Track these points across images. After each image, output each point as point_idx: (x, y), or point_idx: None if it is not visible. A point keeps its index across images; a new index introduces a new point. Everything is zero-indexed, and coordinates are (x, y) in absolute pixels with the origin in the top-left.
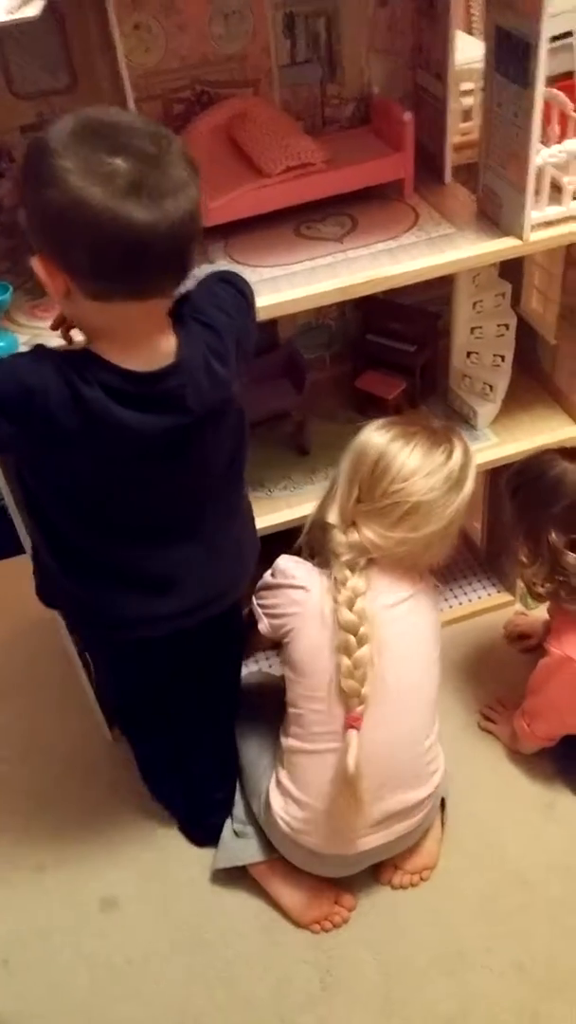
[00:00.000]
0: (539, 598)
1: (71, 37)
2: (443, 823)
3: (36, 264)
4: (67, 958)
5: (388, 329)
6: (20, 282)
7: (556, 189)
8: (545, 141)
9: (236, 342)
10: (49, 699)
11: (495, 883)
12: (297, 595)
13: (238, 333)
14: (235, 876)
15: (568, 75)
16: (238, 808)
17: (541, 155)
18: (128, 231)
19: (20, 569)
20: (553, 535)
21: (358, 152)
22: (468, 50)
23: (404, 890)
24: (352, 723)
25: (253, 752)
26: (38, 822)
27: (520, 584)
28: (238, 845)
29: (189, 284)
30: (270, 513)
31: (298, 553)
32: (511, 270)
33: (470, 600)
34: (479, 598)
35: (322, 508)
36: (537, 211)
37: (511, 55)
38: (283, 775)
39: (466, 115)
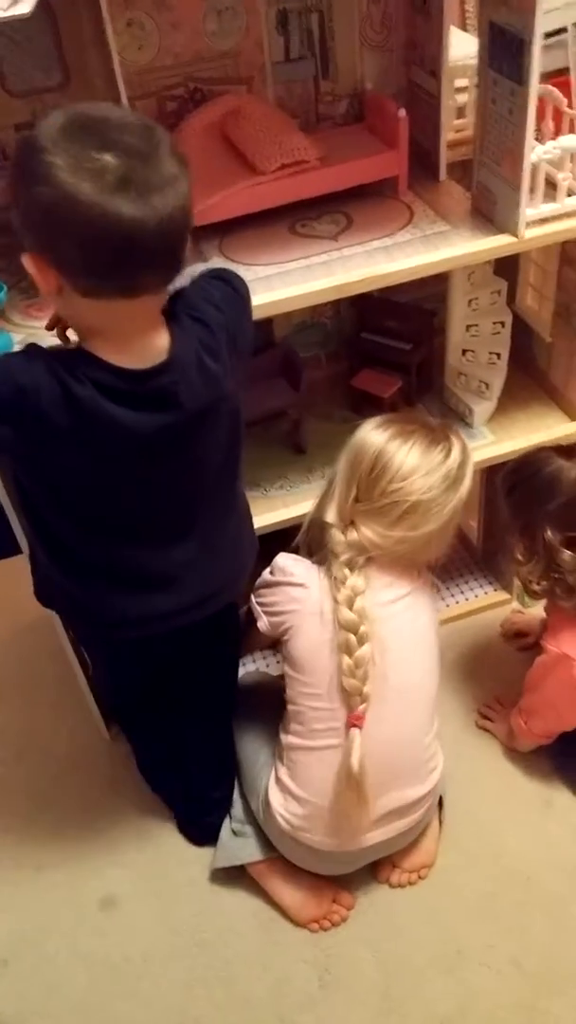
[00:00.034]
0: (535, 596)
1: (64, 35)
2: (441, 821)
3: (27, 261)
4: (66, 957)
5: (384, 327)
6: (15, 281)
7: (551, 186)
8: (540, 138)
9: (229, 338)
10: (47, 699)
11: (493, 881)
12: (296, 592)
13: (231, 329)
14: (234, 875)
15: (563, 71)
16: (236, 807)
17: (536, 152)
18: (117, 226)
19: (17, 569)
20: (549, 532)
21: (352, 149)
22: (462, 46)
23: (402, 888)
24: (355, 722)
25: (251, 750)
26: (36, 822)
27: (517, 582)
28: (236, 844)
29: (183, 282)
30: (267, 512)
31: (296, 552)
32: (506, 267)
33: (467, 599)
34: (476, 597)
35: (320, 507)
36: (532, 208)
37: (505, 51)
38: (282, 772)
39: (460, 112)
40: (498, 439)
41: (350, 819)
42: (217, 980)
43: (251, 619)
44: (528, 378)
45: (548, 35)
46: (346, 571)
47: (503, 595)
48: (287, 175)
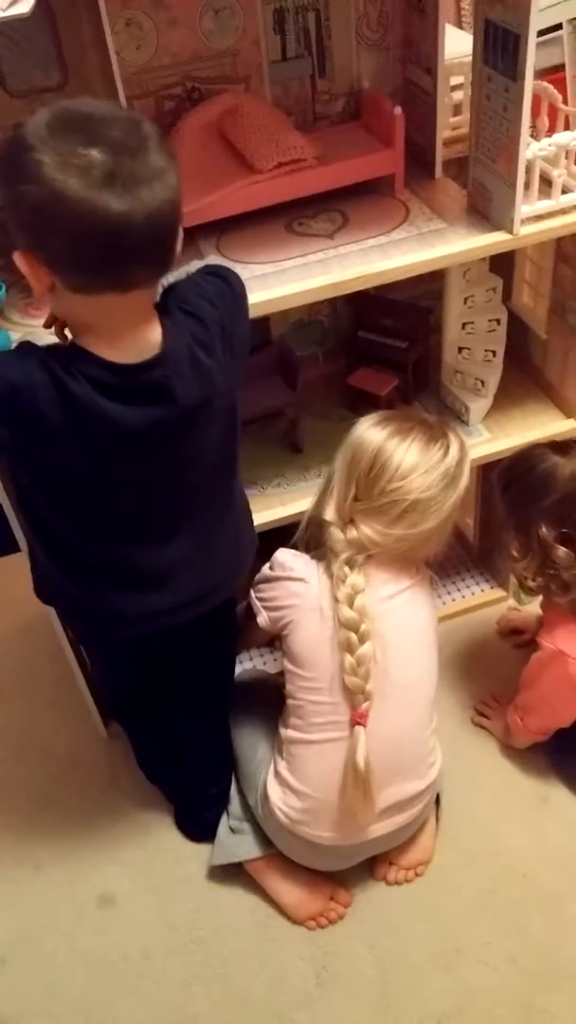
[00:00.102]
0: (530, 592)
1: (63, 34)
2: (438, 819)
3: (19, 259)
4: (65, 955)
5: (380, 325)
6: (14, 280)
7: (546, 183)
8: (535, 135)
9: (223, 333)
10: (45, 698)
11: (490, 878)
12: (296, 587)
13: (225, 324)
14: (231, 873)
15: (558, 68)
16: (234, 804)
17: (531, 149)
18: (105, 221)
19: (16, 568)
20: (544, 529)
21: (348, 148)
22: (458, 44)
23: (399, 886)
24: (358, 720)
25: (248, 745)
26: (35, 820)
27: (513, 579)
28: (234, 841)
29: (179, 278)
30: (264, 510)
31: (295, 549)
32: (502, 265)
33: (463, 596)
34: (472, 594)
35: (319, 505)
36: (527, 205)
37: (500, 48)
38: (282, 766)
39: (456, 109)
40: (494, 436)
41: (356, 816)
42: (215, 977)
43: (250, 615)
44: (524, 375)
45: (543, 32)
46: (346, 569)
47: (499, 592)
48: (284, 174)
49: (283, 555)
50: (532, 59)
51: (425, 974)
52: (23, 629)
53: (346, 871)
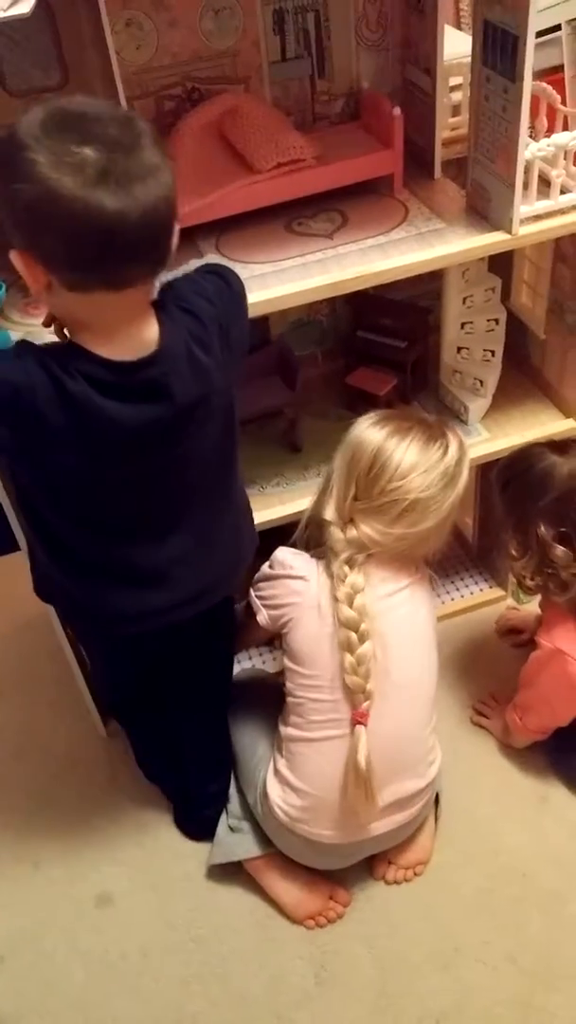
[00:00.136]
0: (529, 591)
1: (63, 34)
2: (437, 818)
3: (15, 258)
4: (63, 954)
5: (379, 325)
6: (14, 279)
7: (544, 183)
8: (533, 135)
9: (221, 331)
10: (45, 697)
11: (489, 877)
12: (296, 585)
13: (222, 322)
14: (230, 872)
15: (557, 69)
16: (233, 803)
17: (529, 149)
18: (100, 219)
19: (16, 567)
20: (542, 528)
21: (348, 148)
22: (457, 45)
23: (398, 885)
24: (359, 719)
25: (248, 744)
26: (35, 818)
27: (511, 579)
28: (233, 840)
29: (177, 276)
30: (263, 510)
31: (294, 548)
32: (500, 265)
33: (462, 596)
34: (471, 594)
35: (318, 504)
36: (526, 205)
37: (499, 49)
38: (281, 764)
39: (455, 110)
40: (493, 436)
41: (357, 815)
42: (213, 976)
43: (250, 613)
44: (522, 375)
45: (541, 33)
46: (345, 568)
47: (498, 592)
48: (283, 174)
49: (283, 553)
50: (531, 60)
51: (424, 973)
52: (23, 627)
53: (345, 871)
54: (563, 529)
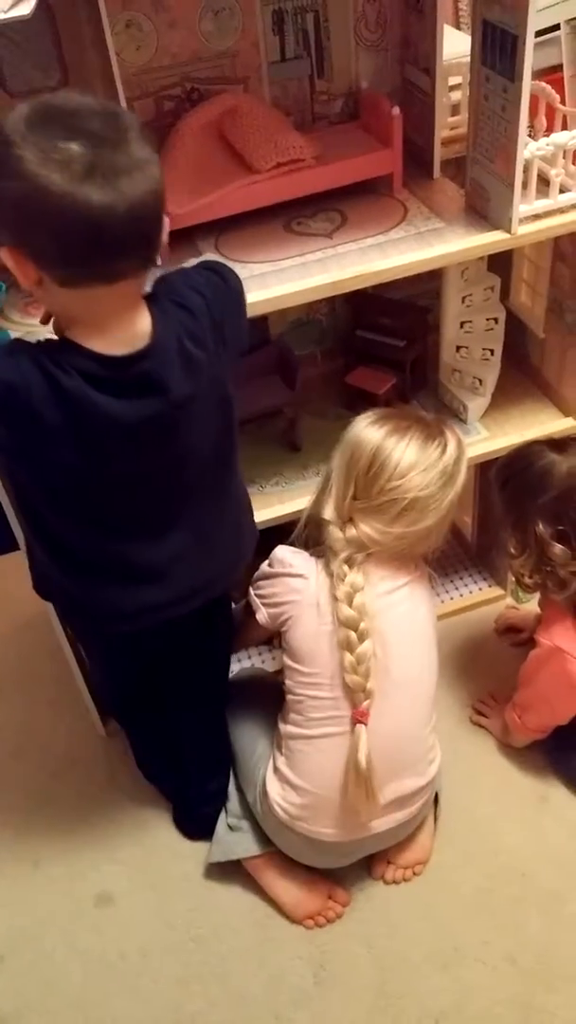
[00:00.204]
0: (527, 589)
1: (63, 35)
2: (436, 817)
3: (5, 255)
4: (63, 953)
5: (378, 324)
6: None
7: (543, 182)
8: (532, 134)
9: (213, 325)
10: (44, 696)
11: (489, 877)
12: (296, 583)
13: (215, 315)
14: (229, 871)
15: (556, 68)
16: (232, 802)
17: (528, 148)
18: (87, 214)
19: (15, 566)
20: (540, 526)
21: (347, 148)
22: (456, 44)
23: (397, 885)
24: (359, 718)
25: (247, 742)
26: (33, 818)
27: (511, 577)
28: (232, 839)
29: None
30: (262, 509)
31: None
32: (500, 264)
33: (461, 595)
34: (470, 593)
35: (317, 504)
36: (525, 204)
37: (498, 49)
38: (281, 762)
39: (454, 109)
40: (492, 435)
41: (358, 813)
42: (212, 976)
43: (249, 612)
44: (521, 374)
45: (541, 32)
46: (345, 568)
47: (497, 591)
48: (283, 173)
49: (282, 552)
50: (530, 60)
51: (423, 973)
52: (22, 627)
53: (344, 870)
54: (561, 527)
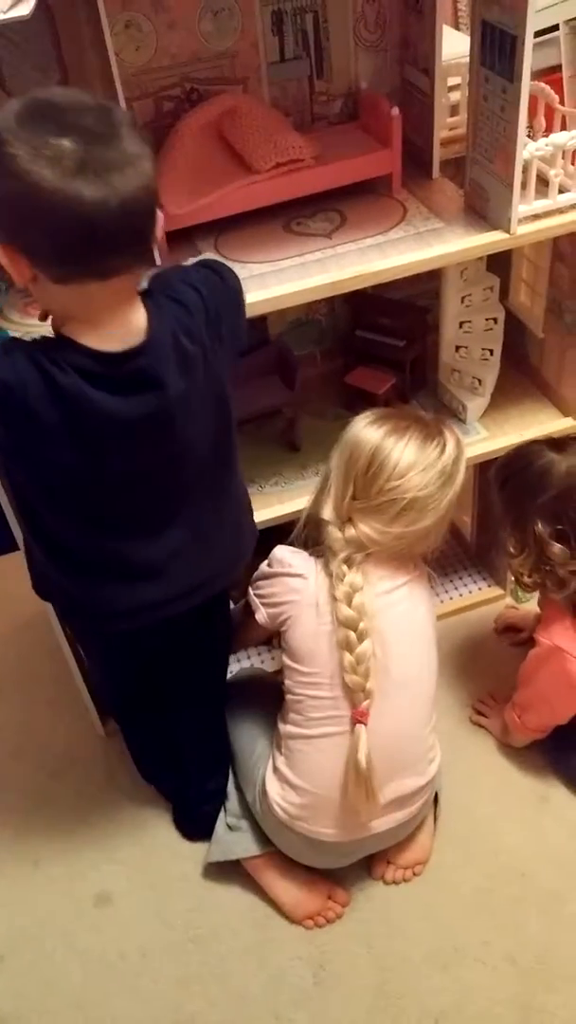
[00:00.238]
0: (527, 588)
1: (63, 36)
2: (436, 817)
3: None
4: (62, 953)
5: (377, 324)
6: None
7: (543, 182)
8: (532, 135)
9: (208, 320)
10: (43, 696)
11: (488, 877)
12: (295, 583)
13: (210, 310)
14: (228, 871)
15: (555, 68)
16: (232, 802)
17: (528, 149)
18: (80, 210)
19: (15, 566)
20: (539, 525)
21: (346, 148)
22: (455, 45)
23: (397, 885)
24: (359, 718)
25: (247, 742)
26: (33, 817)
27: (510, 577)
28: (232, 839)
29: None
30: (262, 509)
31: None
32: (499, 264)
33: (460, 595)
34: (470, 592)
35: (316, 504)
36: (524, 204)
37: (497, 49)
38: (280, 762)
39: (453, 110)
40: (491, 435)
41: (358, 813)
42: (212, 976)
43: (248, 612)
44: (521, 374)
45: (540, 33)
46: (344, 568)
47: (497, 591)
48: (282, 174)
49: (281, 552)
50: (529, 60)
51: (423, 973)
52: (22, 627)
53: (344, 870)
54: (560, 526)
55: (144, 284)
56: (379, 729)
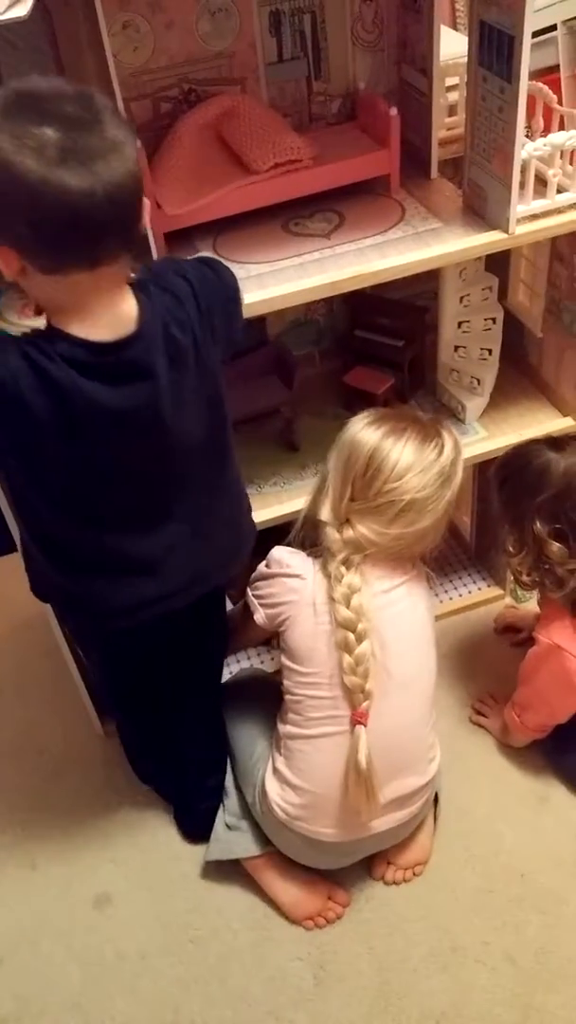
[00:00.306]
0: (525, 587)
1: (60, 36)
2: (436, 818)
3: None
4: (61, 954)
5: (376, 324)
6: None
7: (541, 182)
8: (530, 135)
9: (200, 312)
10: (42, 696)
11: (488, 877)
12: (293, 583)
13: (201, 302)
14: (228, 871)
15: (553, 69)
16: (232, 802)
17: (526, 149)
18: (65, 199)
19: (14, 567)
20: (538, 524)
21: (345, 148)
22: (453, 45)
23: (397, 885)
24: (359, 719)
25: (246, 742)
26: (31, 818)
27: (510, 577)
28: (231, 838)
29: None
30: (260, 509)
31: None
32: (497, 264)
33: (460, 595)
34: (469, 592)
35: (314, 504)
36: (522, 204)
37: (495, 49)
38: (280, 762)
39: (452, 110)
40: (490, 435)
41: (358, 813)
42: (211, 976)
43: (247, 613)
44: (519, 374)
45: (537, 33)
46: (342, 569)
47: (496, 591)
48: (280, 174)
49: (279, 552)
50: (527, 60)
51: (423, 974)
52: (20, 627)
53: (344, 871)
54: (559, 526)
55: (132, 274)
56: (379, 729)
